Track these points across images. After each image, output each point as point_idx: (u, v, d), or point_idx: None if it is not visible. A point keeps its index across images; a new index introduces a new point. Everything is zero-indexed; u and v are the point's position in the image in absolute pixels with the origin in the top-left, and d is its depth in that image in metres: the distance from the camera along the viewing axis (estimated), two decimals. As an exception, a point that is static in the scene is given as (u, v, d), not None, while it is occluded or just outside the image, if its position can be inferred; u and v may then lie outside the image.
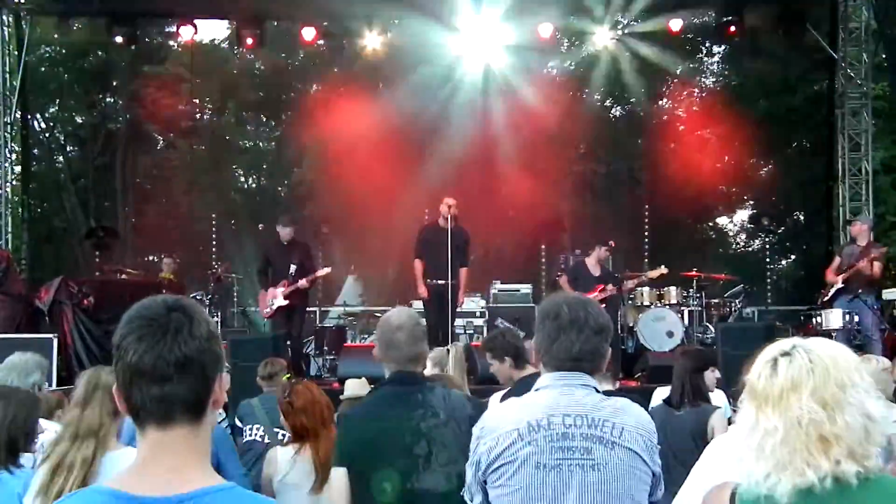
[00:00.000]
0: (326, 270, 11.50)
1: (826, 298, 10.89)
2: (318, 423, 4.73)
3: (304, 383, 5.14)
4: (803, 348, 1.96)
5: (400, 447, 3.31)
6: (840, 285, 10.69)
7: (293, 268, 10.98)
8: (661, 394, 5.97)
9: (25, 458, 3.91)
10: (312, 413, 4.75)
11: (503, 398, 4.63)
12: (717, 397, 5.69)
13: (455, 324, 11.03)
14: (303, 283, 11.00)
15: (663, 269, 11.59)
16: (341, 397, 6.71)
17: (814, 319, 11.09)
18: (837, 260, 11.08)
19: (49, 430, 4.51)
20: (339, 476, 3.43)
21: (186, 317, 1.70)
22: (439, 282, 10.40)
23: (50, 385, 8.55)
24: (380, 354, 3.59)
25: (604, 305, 10.51)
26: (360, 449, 3.44)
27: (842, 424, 1.86)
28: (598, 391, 2.83)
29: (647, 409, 5.66)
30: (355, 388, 6.61)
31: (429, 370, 6.17)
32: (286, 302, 10.99)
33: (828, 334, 10.39)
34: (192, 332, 1.69)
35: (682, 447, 4.89)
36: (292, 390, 4.95)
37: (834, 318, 10.50)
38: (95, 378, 3.65)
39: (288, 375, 6.52)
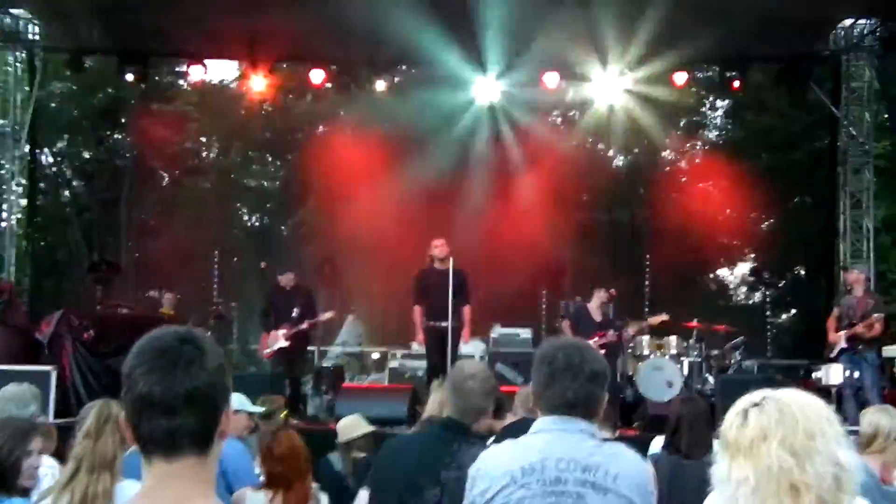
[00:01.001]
0: (329, 315, 11.66)
1: (832, 355, 10.84)
2: (294, 474, 4.66)
3: (287, 433, 5.09)
4: (773, 398, 1.99)
5: (414, 487, 3.34)
6: (843, 345, 10.67)
7: (296, 311, 11.12)
8: (658, 442, 5.94)
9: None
10: (290, 463, 4.69)
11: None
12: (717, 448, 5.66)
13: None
14: (305, 325, 11.14)
15: (664, 317, 11.59)
16: (337, 441, 6.70)
17: (814, 374, 11.07)
18: (837, 310, 11.08)
19: (44, 464, 4.49)
20: (361, 497, 3.51)
21: (198, 349, 1.71)
22: (440, 324, 10.39)
23: (47, 417, 8.54)
24: (440, 396, 3.67)
25: (604, 352, 10.59)
26: (385, 475, 3.54)
27: (811, 473, 1.88)
28: (594, 436, 2.83)
29: (644, 457, 5.66)
30: (349, 429, 6.60)
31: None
32: (287, 344, 11.10)
33: (828, 390, 10.40)
34: (203, 365, 1.69)
35: (693, 499, 4.85)
36: (275, 436, 4.93)
37: (834, 373, 10.48)
38: (107, 409, 3.68)
39: (286, 413, 6.52)
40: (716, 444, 5.63)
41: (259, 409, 6.46)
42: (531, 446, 2.80)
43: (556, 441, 2.78)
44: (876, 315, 10.48)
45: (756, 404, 2.00)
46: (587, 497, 2.69)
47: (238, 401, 5.65)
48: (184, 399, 1.66)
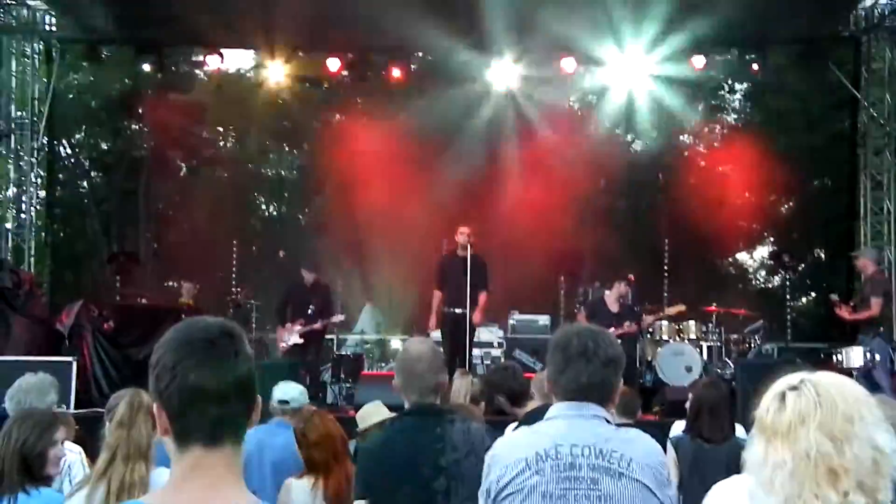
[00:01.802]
0: (341, 318, 12.14)
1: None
2: (331, 457, 4.71)
3: (321, 415, 5.11)
4: (811, 382, 1.97)
5: (418, 481, 3.30)
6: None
7: (312, 308, 11.41)
8: (679, 427, 5.92)
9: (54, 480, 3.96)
10: (325, 447, 4.75)
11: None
12: (738, 431, 5.64)
13: (473, 354, 11.03)
14: (317, 325, 11.46)
15: (681, 307, 11.57)
16: (357, 430, 6.70)
17: (834, 357, 11.01)
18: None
19: (73, 451, 4.54)
20: None
21: (238, 339, 1.77)
22: (457, 311, 10.43)
23: (67, 407, 8.60)
24: (399, 385, 3.59)
25: (620, 341, 10.56)
26: (380, 481, 3.44)
27: (850, 457, 1.86)
28: (608, 422, 2.83)
29: (664, 443, 5.64)
30: (369, 416, 6.60)
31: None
32: (301, 341, 11.42)
33: (848, 373, 10.32)
34: (246, 355, 1.76)
35: (715, 483, 4.81)
36: (308, 422, 4.94)
37: (855, 356, 10.43)
38: (138, 398, 3.73)
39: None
40: (739, 429, 5.59)
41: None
42: (545, 432, 2.81)
43: (570, 427, 2.79)
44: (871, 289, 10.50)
45: (794, 387, 1.97)
46: (601, 482, 2.69)
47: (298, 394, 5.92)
48: (234, 388, 1.72)
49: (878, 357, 10.33)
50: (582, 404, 2.81)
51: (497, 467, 2.78)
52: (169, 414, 1.71)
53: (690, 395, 5.60)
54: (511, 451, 2.79)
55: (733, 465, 4.91)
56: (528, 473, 2.71)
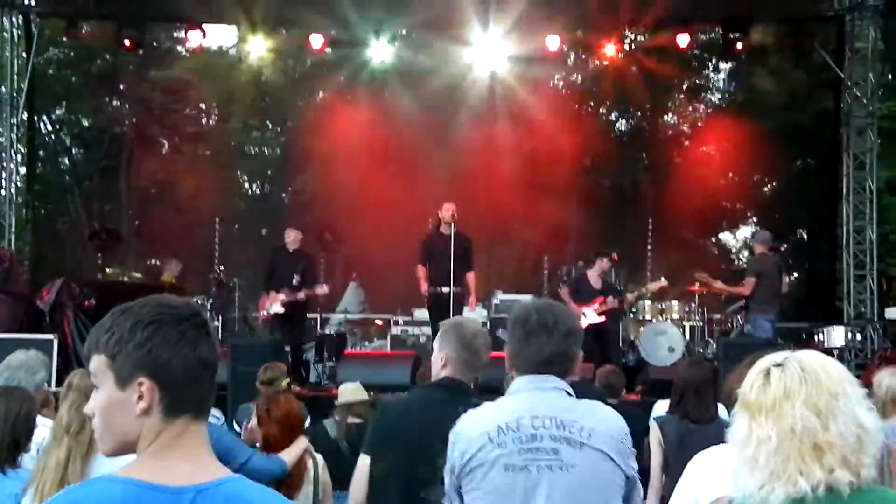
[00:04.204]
0: (325, 290, 11.45)
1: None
2: (288, 437, 4.76)
3: (286, 397, 5.16)
4: (795, 358, 1.98)
5: (425, 455, 3.29)
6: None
7: (296, 278, 11.03)
8: (661, 407, 5.93)
9: (26, 458, 3.92)
10: (284, 426, 4.79)
11: None
12: (721, 411, 5.65)
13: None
14: (301, 296, 11.03)
15: (663, 282, 11.59)
16: (336, 402, 6.74)
17: (816, 337, 11.09)
18: None
19: (43, 427, 4.49)
20: (361, 464, 3.47)
21: (206, 319, 1.84)
22: (442, 289, 10.37)
23: (50, 385, 8.55)
24: (444, 354, 3.52)
25: (605, 318, 10.58)
26: (391, 441, 3.48)
27: (835, 432, 1.87)
28: (569, 394, 2.87)
29: (647, 420, 5.63)
30: (349, 393, 6.63)
31: None
32: (283, 310, 11.04)
33: (829, 352, 10.39)
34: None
35: None
36: (274, 399, 4.99)
37: (836, 335, 10.52)
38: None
39: (288, 381, 6.52)
40: (721, 409, 5.59)
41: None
42: (507, 407, 2.86)
43: (531, 399, 2.83)
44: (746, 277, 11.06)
45: (778, 364, 1.98)
46: (562, 452, 2.73)
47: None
48: (217, 362, 1.82)
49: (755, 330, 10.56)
50: (543, 377, 2.85)
51: (460, 443, 2.81)
52: (167, 386, 1.71)
53: (675, 376, 5.60)
54: (473, 426, 2.82)
55: (719, 445, 4.95)
56: (490, 447, 2.75)
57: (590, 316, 10.64)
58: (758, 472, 1.92)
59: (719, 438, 5.00)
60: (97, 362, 1.74)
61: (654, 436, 5.16)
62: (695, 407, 5.20)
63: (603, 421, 2.82)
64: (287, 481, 4.59)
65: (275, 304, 11.01)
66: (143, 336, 1.71)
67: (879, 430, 1.93)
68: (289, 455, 4.71)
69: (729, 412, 5.65)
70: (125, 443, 1.74)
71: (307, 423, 6.23)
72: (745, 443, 1.96)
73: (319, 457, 4.89)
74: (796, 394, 1.91)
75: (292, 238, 11.40)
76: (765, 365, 2.00)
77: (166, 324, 1.73)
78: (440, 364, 3.53)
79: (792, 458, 1.88)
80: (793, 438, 1.88)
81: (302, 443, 4.81)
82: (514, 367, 2.94)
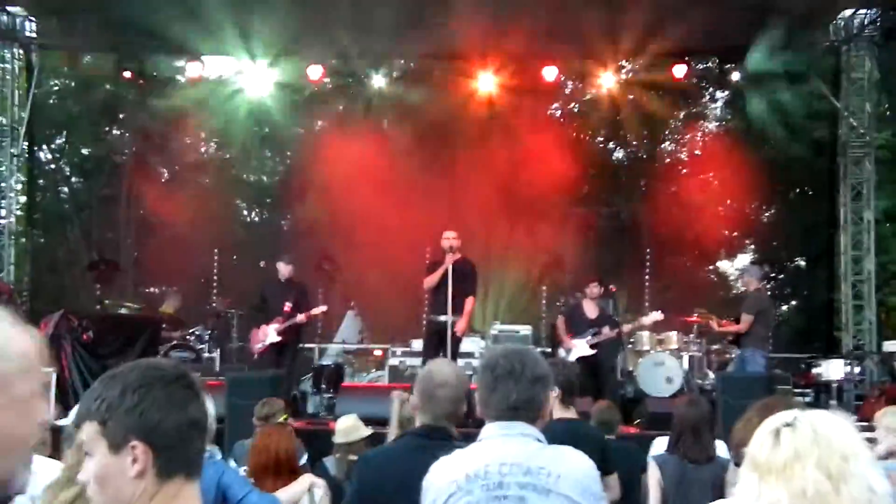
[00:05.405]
0: (323, 309, 11.43)
1: None
2: (275, 468, 4.78)
3: (276, 429, 5.15)
4: (805, 418, 1.95)
5: (409, 502, 3.29)
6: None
7: (288, 306, 10.97)
8: (660, 444, 5.91)
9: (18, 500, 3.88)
10: (269, 457, 4.86)
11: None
12: (720, 448, 5.63)
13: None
14: (301, 317, 10.95)
15: (659, 316, 11.45)
16: (334, 440, 6.67)
17: (814, 369, 11.07)
18: None
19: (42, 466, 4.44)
20: None
21: (196, 380, 1.87)
22: (440, 318, 10.23)
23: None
24: (417, 404, 3.60)
25: (595, 351, 10.47)
26: (372, 493, 3.48)
27: (846, 496, 1.84)
28: (539, 440, 2.89)
29: (645, 458, 5.61)
30: (346, 432, 6.56)
31: None
32: (279, 339, 10.98)
33: (827, 385, 10.38)
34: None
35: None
36: (266, 431, 5.00)
37: (834, 369, 10.49)
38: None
39: (285, 416, 6.48)
40: (721, 446, 5.54)
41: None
42: (475, 454, 2.88)
43: (499, 446, 2.86)
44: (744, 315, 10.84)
45: (788, 424, 1.95)
46: (529, 499, 2.74)
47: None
48: (206, 422, 1.85)
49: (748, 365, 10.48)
50: (511, 423, 2.88)
51: (431, 492, 2.85)
52: (160, 448, 1.73)
53: (674, 414, 5.59)
54: (442, 475, 2.85)
55: (717, 486, 4.94)
56: (459, 495, 2.77)
57: (580, 347, 10.57)
58: None
59: (717, 477, 5.03)
60: (89, 430, 1.76)
61: (654, 476, 5.15)
62: (693, 447, 5.20)
63: (570, 466, 2.82)
64: None
65: (269, 335, 10.96)
66: (133, 400, 1.73)
67: (889, 495, 1.90)
68: (287, 493, 4.70)
69: (736, 463, 5.65)
70: None
71: (304, 458, 6.22)
72: (755, 503, 1.92)
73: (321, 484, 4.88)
74: (807, 455, 1.88)
75: (285, 270, 11.36)
76: (775, 424, 1.97)
77: (155, 387, 1.75)
78: (416, 409, 3.58)
79: None
80: (804, 502, 1.85)
81: (305, 481, 4.79)
82: (484, 413, 2.97)
